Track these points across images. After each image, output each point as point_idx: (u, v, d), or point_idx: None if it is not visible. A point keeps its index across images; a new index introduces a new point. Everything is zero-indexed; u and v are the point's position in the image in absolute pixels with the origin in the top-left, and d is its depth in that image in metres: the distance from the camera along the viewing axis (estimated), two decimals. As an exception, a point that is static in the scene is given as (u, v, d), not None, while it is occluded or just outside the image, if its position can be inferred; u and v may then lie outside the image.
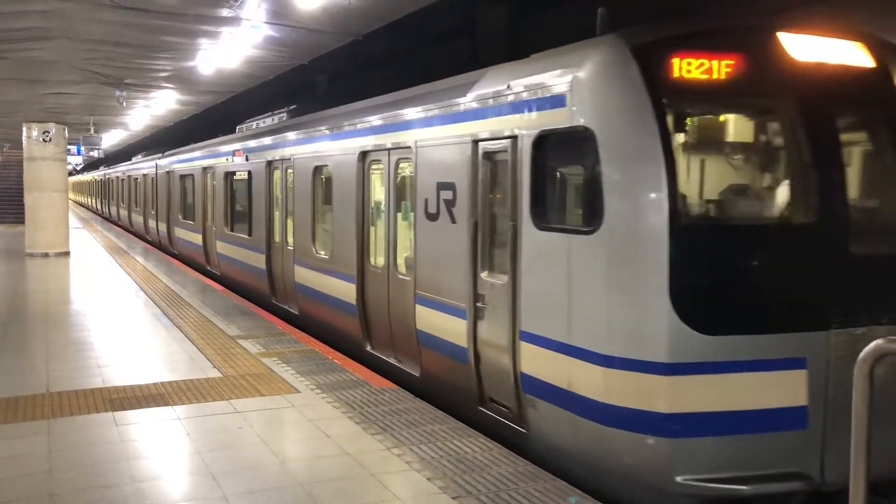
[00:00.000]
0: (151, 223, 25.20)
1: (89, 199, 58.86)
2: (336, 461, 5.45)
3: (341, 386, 7.37)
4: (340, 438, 5.89)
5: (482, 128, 6.50)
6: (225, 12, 11.87)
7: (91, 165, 62.75)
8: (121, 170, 35.43)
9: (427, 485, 5.01)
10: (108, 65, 16.67)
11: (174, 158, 21.24)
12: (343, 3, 10.77)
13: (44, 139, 19.72)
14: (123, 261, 18.64)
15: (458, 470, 5.27)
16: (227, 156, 15.20)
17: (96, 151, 35.30)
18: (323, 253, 10.21)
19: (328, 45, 14.14)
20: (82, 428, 6.09)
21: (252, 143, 13.72)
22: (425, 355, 7.48)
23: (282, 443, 5.88)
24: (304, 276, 10.80)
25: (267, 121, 14.66)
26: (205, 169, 17.03)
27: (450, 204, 6.97)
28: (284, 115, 13.68)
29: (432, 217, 7.29)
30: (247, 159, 13.73)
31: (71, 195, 55.72)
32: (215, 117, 26.06)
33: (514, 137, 6.04)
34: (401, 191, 8.33)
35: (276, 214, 12.47)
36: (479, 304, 6.50)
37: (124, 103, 21.01)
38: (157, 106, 24.08)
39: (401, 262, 8.14)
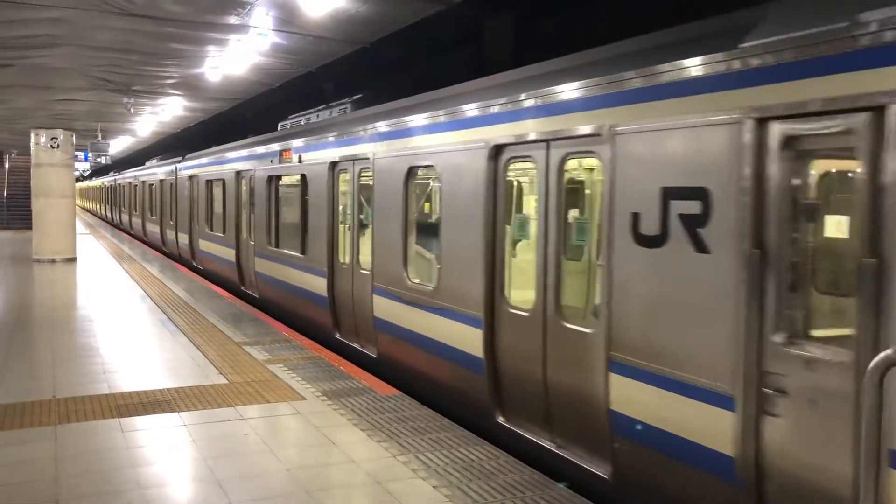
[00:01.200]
0: (170, 234, 22.75)
1: (98, 207, 56.11)
2: (342, 469, 5.43)
3: (347, 393, 7.36)
4: (346, 446, 5.88)
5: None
6: (233, 20, 11.90)
7: (100, 171, 61.01)
8: (133, 175, 33.16)
9: (433, 493, 4.99)
10: (115, 72, 16.73)
11: (198, 162, 19.01)
12: (350, 11, 10.79)
13: (51, 145, 19.80)
14: (130, 267, 18.68)
15: (465, 478, 5.25)
16: (269, 157, 13.00)
17: (104, 158, 35.41)
18: (417, 280, 7.90)
19: (335, 53, 14.16)
20: (88, 434, 6.09)
21: (307, 142, 11.25)
22: None
23: (287, 450, 5.87)
24: (393, 310, 8.22)
25: (320, 115, 12.50)
26: (239, 173, 14.89)
27: (696, 222, 4.48)
28: (347, 106, 11.40)
29: (654, 241, 4.77)
30: (299, 160, 11.38)
31: (77, 202, 55.17)
32: (214, 125, 26.08)
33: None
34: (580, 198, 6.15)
35: (345, 228, 9.91)
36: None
37: (132, 110, 21.06)
38: (164, 112, 24.13)
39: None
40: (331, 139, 10.18)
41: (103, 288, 14.92)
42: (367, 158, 8.95)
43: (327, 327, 10.13)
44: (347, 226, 9.91)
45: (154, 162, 29.01)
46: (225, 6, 11.28)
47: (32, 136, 20.06)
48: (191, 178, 19.32)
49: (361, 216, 9.43)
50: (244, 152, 14.79)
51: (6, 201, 34.40)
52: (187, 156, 20.96)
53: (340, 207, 10.18)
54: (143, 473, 5.29)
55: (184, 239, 20.38)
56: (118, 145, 39.78)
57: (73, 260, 19.84)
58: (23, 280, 16.40)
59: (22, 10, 11.40)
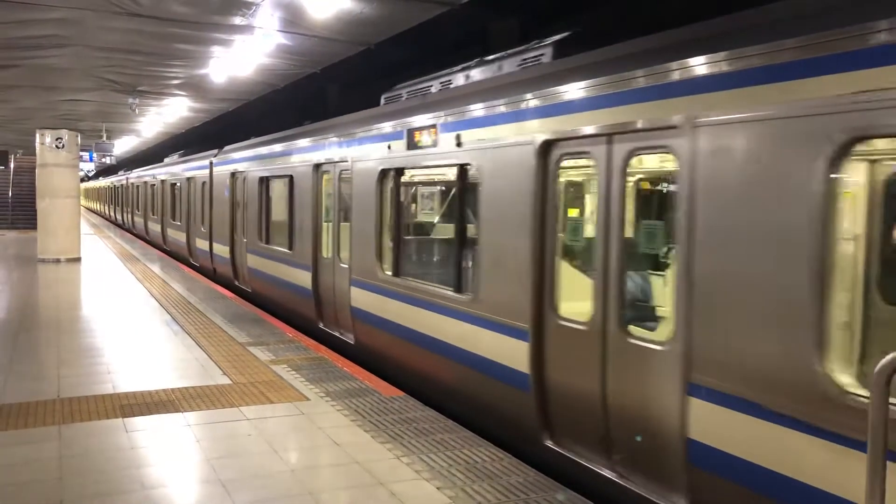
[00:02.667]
0: (200, 244, 19.23)
1: (107, 210, 50.99)
2: (346, 470, 5.43)
3: (351, 394, 7.36)
4: (350, 447, 5.88)
5: None
6: (238, 20, 11.91)
7: (107, 170, 57.20)
8: (150, 173, 29.24)
9: (437, 494, 4.99)
10: (121, 72, 16.75)
11: (245, 154, 15.32)
12: (356, 12, 10.79)
13: (56, 146, 19.85)
14: (134, 267, 18.71)
15: (468, 479, 5.25)
16: (384, 141, 8.94)
17: (108, 158, 35.49)
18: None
19: (340, 54, 14.16)
20: (92, 434, 6.10)
21: (474, 111, 7.06)
22: None
23: (291, 451, 5.87)
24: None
25: (503, 66, 7.65)
26: (319, 167, 11.03)
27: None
28: (547, 51, 6.99)
29: None
30: (458, 143, 7.20)
31: (83, 202, 53.66)
32: (211, 126, 25.89)
33: None
34: None
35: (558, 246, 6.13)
36: None
37: (137, 110, 21.08)
38: (169, 113, 24.15)
39: None
40: (528, 105, 6.39)
41: (108, 288, 14.95)
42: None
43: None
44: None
45: (175, 158, 25.26)
46: (230, 7, 11.29)
47: (37, 136, 20.12)
48: (234, 175, 15.91)
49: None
50: (331, 137, 10.78)
51: (11, 201, 34.51)
52: (225, 148, 17.58)
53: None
54: (147, 474, 5.30)
55: (222, 251, 16.72)
56: (123, 146, 39.87)
57: (77, 260, 19.89)
58: (28, 280, 16.43)
59: (28, 11, 11.43)
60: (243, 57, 13.83)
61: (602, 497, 5.29)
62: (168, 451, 5.81)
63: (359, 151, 9.69)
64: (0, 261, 20.25)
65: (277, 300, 12.79)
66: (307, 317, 11.36)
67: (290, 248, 12.06)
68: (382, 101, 10.44)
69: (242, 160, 15.36)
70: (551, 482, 5.25)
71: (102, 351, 9.18)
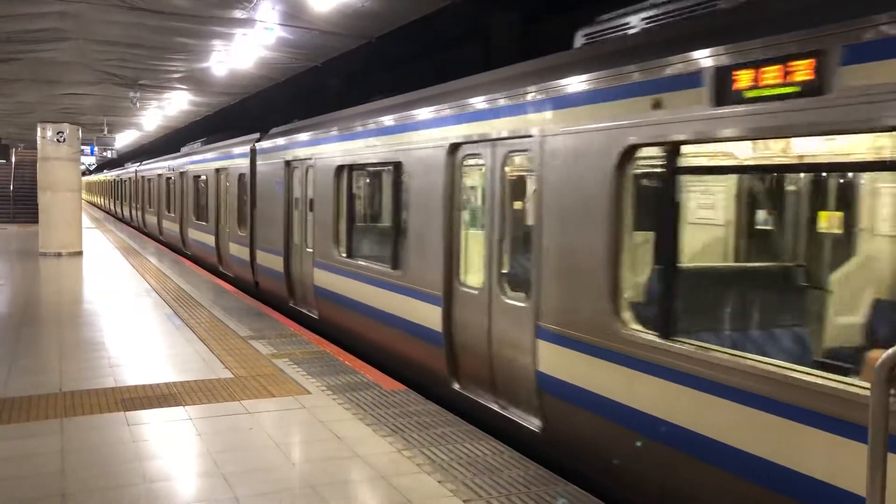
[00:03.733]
0: (235, 250, 15.53)
1: (113, 207, 46.94)
2: (347, 463, 5.44)
3: (352, 387, 7.38)
4: (351, 440, 5.89)
5: None
6: (238, 14, 11.92)
7: (111, 163, 53.25)
8: (165, 165, 25.56)
9: (438, 488, 5.00)
10: (122, 66, 16.78)
11: (310, 136, 11.49)
12: (356, 5, 10.79)
13: (58, 139, 19.85)
14: (136, 261, 18.72)
15: (469, 473, 5.26)
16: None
17: (109, 152, 35.49)
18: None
19: (341, 48, 14.17)
20: (94, 428, 6.11)
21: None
22: None
23: (293, 444, 5.88)
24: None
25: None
26: (456, 148, 7.29)
27: None
28: None
29: None
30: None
31: (85, 196, 52.30)
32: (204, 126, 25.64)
33: None
34: None
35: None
36: None
37: (138, 104, 21.11)
38: (170, 107, 24.18)
39: None
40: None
41: (109, 282, 14.96)
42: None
43: None
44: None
45: (197, 146, 21.45)
46: (231, 0, 11.29)
47: (39, 130, 20.11)
48: (290, 164, 12.34)
49: None
50: (505, 100, 6.59)
51: (12, 195, 34.50)
52: (272, 131, 14.09)
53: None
54: (149, 467, 5.31)
55: (269, 261, 13.28)
56: (124, 139, 39.87)
57: (79, 254, 19.90)
58: (29, 274, 16.45)
59: (27, 5, 11.44)
60: (244, 50, 13.83)
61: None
62: (170, 444, 5.81)
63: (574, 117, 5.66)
64: (2, 254, 20.27)
65: (369, 337, 9.28)
66: (430, 370, 7.76)
67: (396, 265, 8.51)
68: (580, 39, 6.60)
69: (305, 144, 11.67)
70: (552, 475, 5.26)
71: (104, 345, 9.19)
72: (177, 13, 11.93)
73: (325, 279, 10.64)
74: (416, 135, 8.12)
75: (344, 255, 10.14)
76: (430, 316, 7.61)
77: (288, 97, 20.38)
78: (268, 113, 21.97)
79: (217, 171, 17.21)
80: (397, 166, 8.55)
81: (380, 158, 9.12)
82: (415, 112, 8.21)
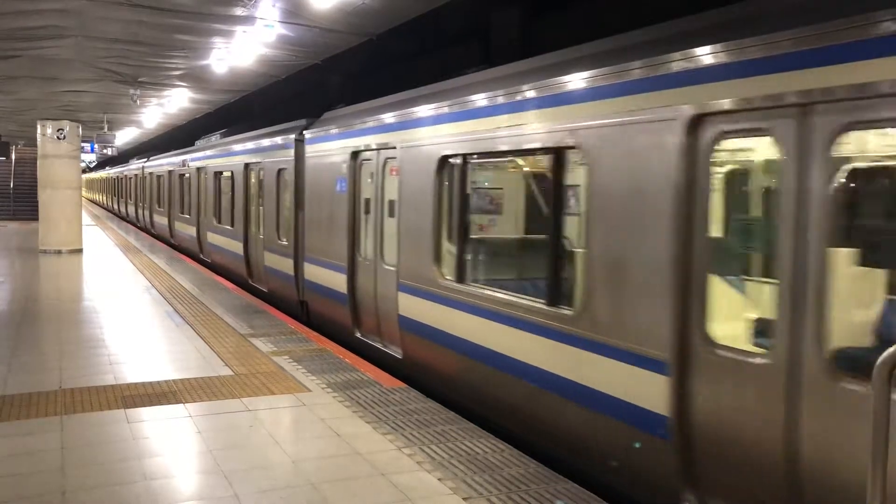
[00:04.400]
0: (273, 261, 13.11)
1: (117, 206, 43.63)
2: (347, 461, 5.44)
3: (352, 385, 7.38)
4: (351, 438, 5.89)
5: None
6: (239, 11, 11.90)
7: (113, 160, 50.00)
8: (178, 160, 22.84)
9: (438, 485, 5.00)
10: (122, 63, 16.76)
11: (390, 119, 8.92)
12: (357, 3, 10.78)
13: (58, 137, 19.84)
14: (136, 258, 18.72)
15: (469, 470, 5.26)
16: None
17: (110, 149, 35.46)
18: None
19: (342, 45, 14.15)
20: (94, 425, 6.11)
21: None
22: None
23: (293, 442, 5.88)
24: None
25: None
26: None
27: None
28: None
29: None
30: None
31: (85, 194, 51.15)
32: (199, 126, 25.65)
33: None
34: None
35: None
36: None
37: (138, 101, 21.10)
38: (170, 104, 24.16)
39: None
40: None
41: (109, 279, 14.96)
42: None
43: None
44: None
45: (216, 138, 19.20)
46: (231, -2, 11.28)
47: (39, 127, 20.11)
48: (357, 156, 9.94)
49: None
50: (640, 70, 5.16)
51: (12, 192, 34.53)
52: (325, 115, 11.84)
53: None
54: (149, 464, 5.31)
55: (322, 278, 10.98)
56: (124, 137, 39.84)
57: (79, 251, 19.90)
58: (29, 271, 16.45)
59: (29, 2, 11.42)
60: (244, 48, 13.81)
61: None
62: (170, 442, 5.82)
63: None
64: (1, 252, 20.27)
65: (500, 395, 6.78)
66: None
67: (556, 301, 6.04)
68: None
69: (382, 129, 9.13)
70: (552, 473, 5.26)
71: (104, 342, 9.19)
72: (177, 10, 11.92)
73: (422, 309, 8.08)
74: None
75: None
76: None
77: (289, 94, 20.28)
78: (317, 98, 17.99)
79: (247, 166, 14.90)
80: (558, 158, 6.30)
81: (517, 143, 6.57)
82: None
